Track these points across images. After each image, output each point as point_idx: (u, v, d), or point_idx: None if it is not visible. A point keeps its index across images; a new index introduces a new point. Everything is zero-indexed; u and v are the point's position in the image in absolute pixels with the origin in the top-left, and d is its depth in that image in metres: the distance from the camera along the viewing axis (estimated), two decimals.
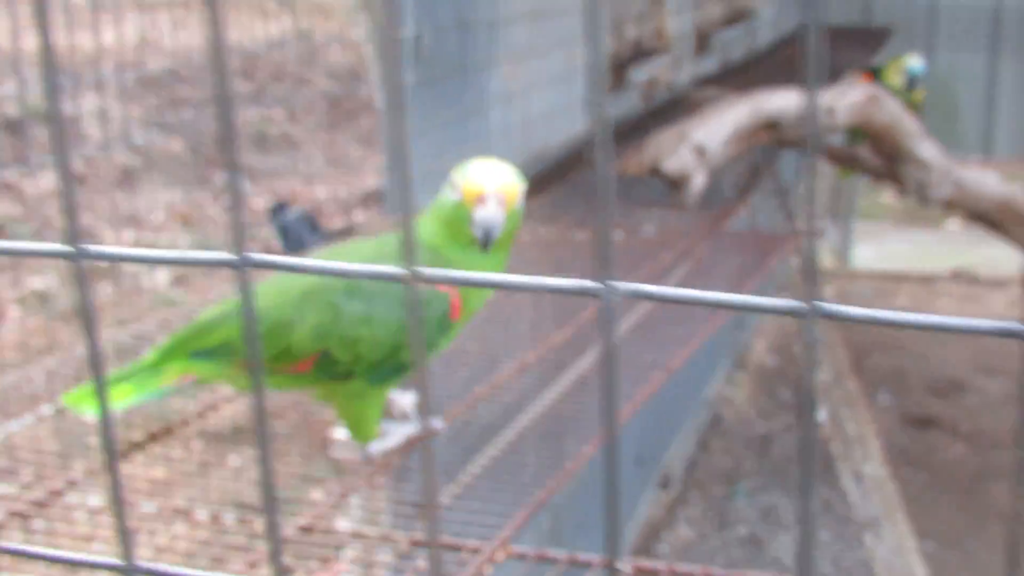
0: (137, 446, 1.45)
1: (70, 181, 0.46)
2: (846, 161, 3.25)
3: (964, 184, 2.78)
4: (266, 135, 5.99)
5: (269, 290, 1.30)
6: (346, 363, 1.28)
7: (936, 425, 4.17)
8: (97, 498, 1.38)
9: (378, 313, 1.27)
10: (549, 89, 3.00)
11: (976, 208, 2.91)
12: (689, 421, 4.35)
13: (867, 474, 3.94)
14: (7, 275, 4.28)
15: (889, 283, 6.02)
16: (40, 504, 1.34)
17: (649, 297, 0.38)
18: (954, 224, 6.03)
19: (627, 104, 3.29)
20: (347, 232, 3.45)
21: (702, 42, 3.80)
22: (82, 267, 0.44)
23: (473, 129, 2.59)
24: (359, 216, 5.17)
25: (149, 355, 1.35)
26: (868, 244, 6.44)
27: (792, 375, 4.74)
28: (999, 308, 5.34)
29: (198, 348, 1.31)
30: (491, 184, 1.22)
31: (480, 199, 1.21)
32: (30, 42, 3.09)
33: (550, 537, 2.62)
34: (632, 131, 3.04)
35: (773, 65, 4.17)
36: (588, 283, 0.36)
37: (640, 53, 3.35)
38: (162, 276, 4.49)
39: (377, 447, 1.37)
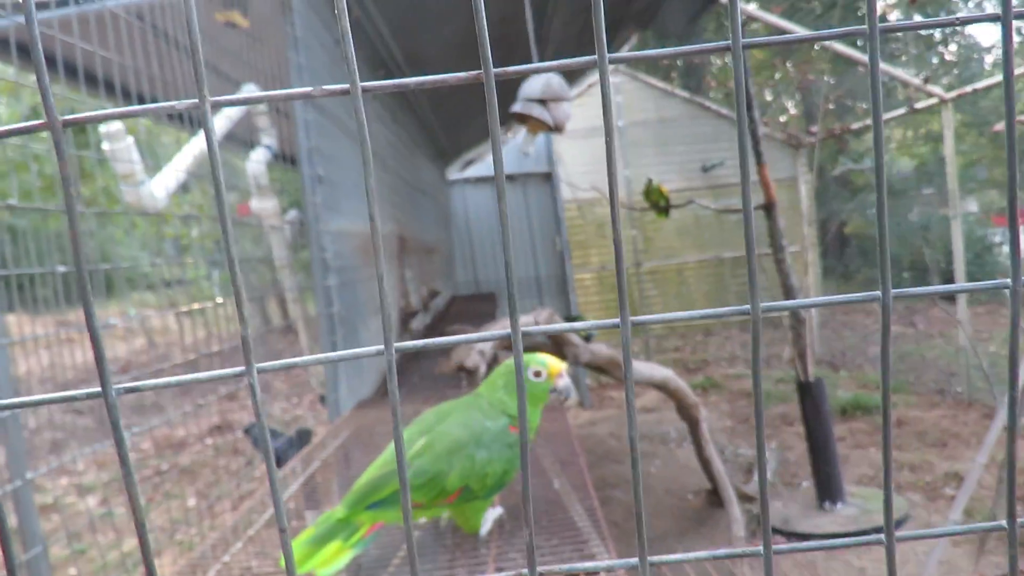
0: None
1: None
2: (536, 347, 5.96)
3: (593, 352, 5.55)
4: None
5: (421, 451, 1.55)
6: (477, 491, 1.57)
7: None
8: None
9: (495, 454, 1.56)
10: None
11: (597, 363, 4.95)
12: None
13: None
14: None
15: None
16: None
17: None
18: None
19: (408, 338, 5.61)
20: (304, 434, 4.51)
21: (425, 305, 6.41)
22: (115, 402, 0.46)
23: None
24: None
25: (337, 511, 1.50)
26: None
27: None
28: None
29: (374, 500, 1.50)
30: (561, 366, 1.67)
31: (560, 375, 1.65)
32: None
33: None
34: (415, 354, 5.39)
35: (456, 312, 6.97)
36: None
37: (408, 313, 5.75)
38: (92, 500, 5.12)
39: (483, 531, 1.73)
